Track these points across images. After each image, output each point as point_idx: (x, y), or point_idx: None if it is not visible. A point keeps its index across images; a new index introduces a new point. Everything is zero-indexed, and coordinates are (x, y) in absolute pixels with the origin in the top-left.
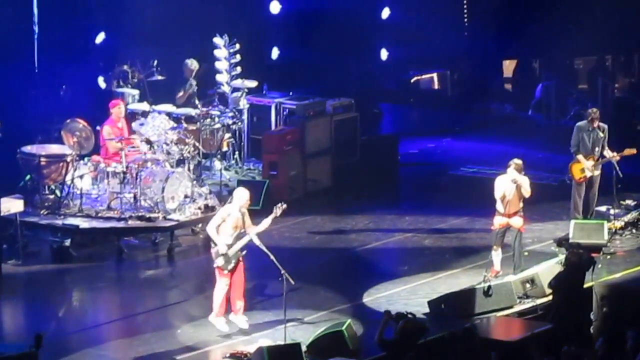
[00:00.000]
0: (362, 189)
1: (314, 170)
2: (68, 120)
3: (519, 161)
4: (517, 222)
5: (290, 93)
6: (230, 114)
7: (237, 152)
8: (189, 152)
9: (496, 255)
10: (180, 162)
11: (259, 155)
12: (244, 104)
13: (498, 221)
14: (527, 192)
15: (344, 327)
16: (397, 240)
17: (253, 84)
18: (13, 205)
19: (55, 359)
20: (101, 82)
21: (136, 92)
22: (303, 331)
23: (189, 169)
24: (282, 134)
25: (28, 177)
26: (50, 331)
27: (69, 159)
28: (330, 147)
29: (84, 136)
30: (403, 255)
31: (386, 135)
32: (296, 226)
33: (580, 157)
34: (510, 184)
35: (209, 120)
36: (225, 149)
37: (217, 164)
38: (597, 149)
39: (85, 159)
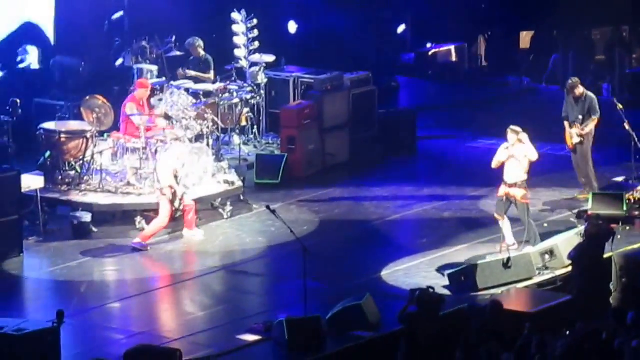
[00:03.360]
0: (380, 163)
1: (332, 145)
2: (87, 97)
3: (514, 127)
4: (516, 192)
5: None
6: (249, 89)
7: (255, 127)
8: (207, 128)
9: (503, 225)
10: (199, 137)
11: (277, 130)
12: (262, 78)
13: (500, 190)
14: (522, 160)
15: (363, 301)
16: (415, 213)
17: (271, 58)
18: (33, 182)
19: (77, 334)
20: (119, 59)
21: (154, 68)
22: (322, 305)
23: (207, 144)
24: (300, 109)
25: (48, 153)
26: (72, 307)
27: (88, 135)
28: (348, 121)
29: (104, 112)
30: (422, 228)
31: (404, 108)
32: (315, 200)
33: (565, 124)
34: (505, 151)
35: (227, 95)
36: (243, 123)
37: (236, 139)
38: (580, 117)
39: (105, 135)
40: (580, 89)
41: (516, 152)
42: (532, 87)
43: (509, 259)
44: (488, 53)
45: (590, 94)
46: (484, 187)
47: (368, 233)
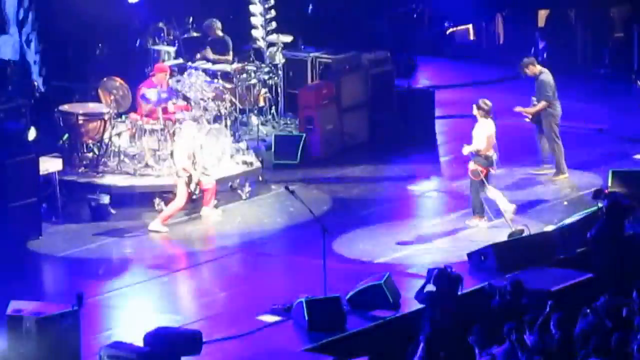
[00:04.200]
0: (398, 142)
1: (350, 124)
2: (105, 79)
3: (478, 102)
4: (469, 165)
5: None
6: (266, 70)
7: (273, 107)
8: (225, 109)
9: (492, 197)
10: (217, 118)
11: (296, 110)
12: (279, 59)
13: None
14: (477, 135)
15: (382, 281)
16: (435, 192)
17: (288, 38)
18: (51, 164)
19: (96, 317)
20: (137, 40)
21: (172, 49)
22: (343, 285)
23: (225, 125)
24: (318, 89)
25: (66, 136)
26: (91, 289)
27: (106, 117)
28: (366, 100)
29: (121, 94)
30: (442, 207)
31: (422, 88)
32: (334, 180)
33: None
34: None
35: (244, 75)
36: (261, 104)
37: (254, 120)
38: (533, 99)
39: (123, 116)
40: (529, 70)
41: (475, 127)
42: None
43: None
44: (505, 31)
45: (542, 77)
46: (505, 165)
47: (388, 211)
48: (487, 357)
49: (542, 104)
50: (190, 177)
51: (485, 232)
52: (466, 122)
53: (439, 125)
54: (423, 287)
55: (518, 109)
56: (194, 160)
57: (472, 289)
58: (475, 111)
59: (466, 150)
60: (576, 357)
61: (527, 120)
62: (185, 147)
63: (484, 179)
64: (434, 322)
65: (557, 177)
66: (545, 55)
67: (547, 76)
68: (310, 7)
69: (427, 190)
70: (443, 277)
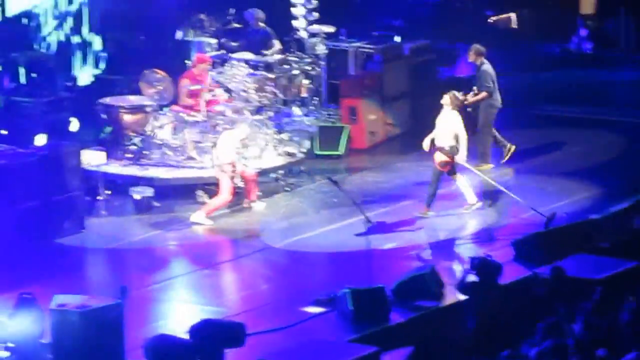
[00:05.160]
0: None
1: (393, 114)
2: (146, 71)
3: (451, 94)
4: (436, 157)
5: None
6: (308, 60)
7: (316, 98)
8: (267, 100)
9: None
10: (259, 109)
11: (338, 101)
12: (321, 49)
13: None
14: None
15: (427, 271)
16: (478, 181)
17: (330, 29)
18: (94, 157)
19: (140, 310)
20: (178, 32)
21: (213, 40)
22: (387, 275)
23: (268, 116)
24: (360, 79)
25: (108, 128)
26: (134, 282)
27: (148, 109)
28: (409, 90)
29: (163, 86)
30: (485, 196)
31: (464, 77)
32: (378, 171)
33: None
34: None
35: (286, 66)
36: (303, 95)
37: (296, 111)
38: (474, 88)
39: (165, 109)
40: (471, 57)
41: (442, 118)
42: (594, 53)
43: (570, 226)
44: (547, 19)
45: (484, 67)
46: (546, 155)
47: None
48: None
49: (483, 94)
50: (234, 171)
51: (529, 222)
52: (506, 110)
53: None
54: (464, 277)
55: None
56: (240, 152)
57: (516, 279)
58: (445, 101)
59: (426, 144)
60: (622, 345)
61: (469, 110)
62: (232, 140)
63: (453, 168)
64: (477, 313)
65: (481, 167)
66: (586, 44)
67: (488, 66)
68: None
69: (472, 180)
70: (484, 266)
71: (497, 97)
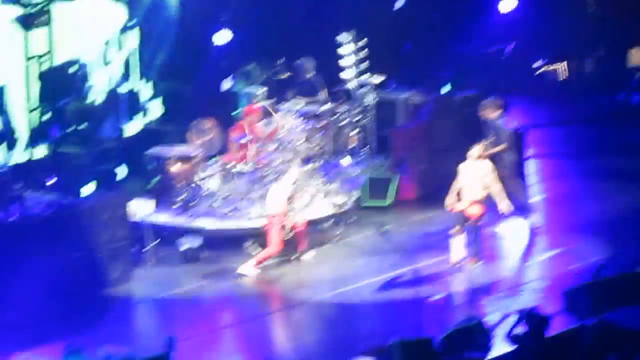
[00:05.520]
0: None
1: (442, 165)
2: (194, 121)
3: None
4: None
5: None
6: (357, 110)
7: (365, 149)
8: (316, 150)
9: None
10: (308, 159)
11: (387, 151)
12: (371, 99)
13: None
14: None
15: (475, 322)
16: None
17: (380, 79)
18: (142, 206)
19: None
20: (226, 82)
21: (262, 90)
22: (435, 326)
23: (317, 167)
24: (409, 130)
25: (156, 178)
26: (182, 333)
27: (196, 159)
28: (458, 140)
29: (211, 136)
30: (540, 241)
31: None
32: (426, 221)
33: None
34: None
35: (335, 116)
36: (352, 145)
37: (346, 161)
38: None
39: (213, 159)
40: (487, 113)
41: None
42: None
43: (622, 277)
44: (596, 71)
45: (499, 122)
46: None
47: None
48: None
49: (502, 146)
50: (284, 220)
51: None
52: (550, 161)
53: (529, 166)
54: (513, 328)
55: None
56: (289, 202)
57: (565, 330)
58: (475, 153)
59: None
60: None
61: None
62: (284, 191)
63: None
64: None
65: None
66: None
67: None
68: (405, 46)
69: (516, 232)
70: (533, 317)
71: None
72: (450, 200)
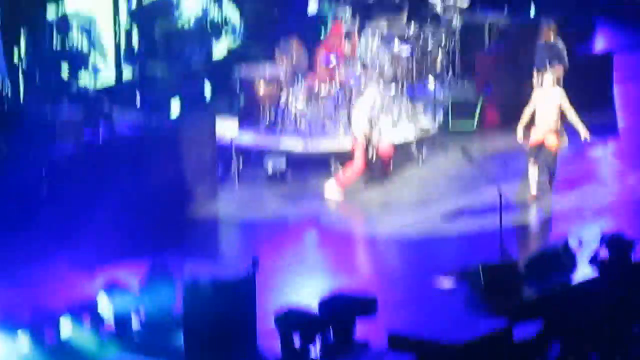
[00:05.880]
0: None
1: (526, 90)
2: (281, 42)
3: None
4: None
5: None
6: (443, 34)
7: (450, 72)
8: (401, 73)
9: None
10: (393, 81)
11: (472, 75)
12: (456, 23)
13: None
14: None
15: (560, 246)
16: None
17: (466, 3)
18: (228, 127)
19: (273, 281)
20: (312, 4)
21: (348, 11)
22: (519, 250)
23: (402, 90)
24: (495, 54)
25: (243, 99)
26: (267, 254)
27: (282, 80)
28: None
29: (298, 57)
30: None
31: (600, 53)
32: (510, 148)
33: None
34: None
35: (421, 39)
36: (438, 68)
37: (430, 84)
38: None
39: (300, 79)
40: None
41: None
42: None
43: None
44: None
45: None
46: None
47: (566, 176)
48: None
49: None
50: (369, 142)
51: None
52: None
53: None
54: (597, 253)
55: None
56: (374, 125)
57: None
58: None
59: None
60: None
61: None
62: (367, 112)
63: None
64: (609, 289)
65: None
66: None
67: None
68: None
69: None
70: (616, 242)
71: None
72: (521, 128)
